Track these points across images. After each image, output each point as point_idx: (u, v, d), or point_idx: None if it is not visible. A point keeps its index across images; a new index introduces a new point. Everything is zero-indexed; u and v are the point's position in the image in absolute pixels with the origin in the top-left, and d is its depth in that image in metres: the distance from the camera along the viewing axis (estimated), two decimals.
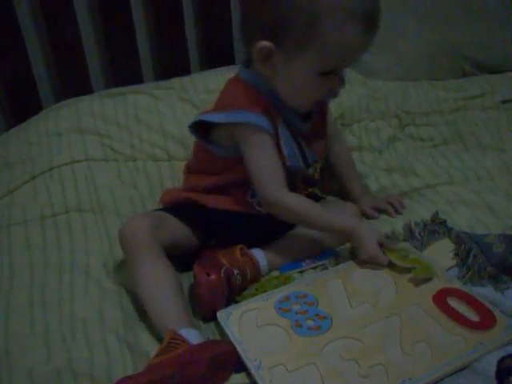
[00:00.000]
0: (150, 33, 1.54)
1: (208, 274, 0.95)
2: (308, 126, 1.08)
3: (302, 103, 1.02)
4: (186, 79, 1.42)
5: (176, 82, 1.42)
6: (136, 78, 1.50)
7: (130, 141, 1.30)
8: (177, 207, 1.09)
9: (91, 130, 1.30)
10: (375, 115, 1.40)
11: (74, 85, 1.49)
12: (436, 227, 1.09)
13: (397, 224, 1.13)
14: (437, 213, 1.11)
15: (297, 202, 1.02)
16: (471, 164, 1.27)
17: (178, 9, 1.48)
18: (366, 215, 1.19)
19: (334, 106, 1.36)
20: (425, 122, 1.42)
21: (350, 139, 1.36)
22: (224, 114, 1.00)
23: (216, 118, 1.01)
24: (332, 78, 0.96)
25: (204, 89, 1.38)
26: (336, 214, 1.07)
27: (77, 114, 1.33)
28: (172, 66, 1.55)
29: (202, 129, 1.06)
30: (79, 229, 1.15)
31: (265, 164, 1.01)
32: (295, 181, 1.09)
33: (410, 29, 1.57)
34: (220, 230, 1.08)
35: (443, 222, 1.09)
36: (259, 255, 1.06)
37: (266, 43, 0.93)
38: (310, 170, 1.10)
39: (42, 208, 1.18)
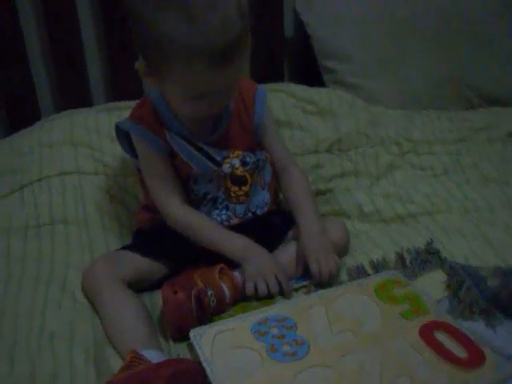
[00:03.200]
0: None
1: (175, 292, 0.93)
2: (212, 139, 1.06)
3: (186, 118, 1.03)
4: None
5: None
6: (137, 94, 1.49)
7: (122, 156, 1.27)
8: (141, 233, 1.13)
9: (84, 142, 1.28)
10: (374, 141, 1.37)
11: (74, 98, 1.47)
12: (429, 257, 1.04)
13: (388, 249, 1.08)
14: (431, 241, 1.06)
15: (187, 216, 1.04)
16: (472, 195, 1.23)
17: None
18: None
19: (331, 131, 1.34)
20: (427, 151, 1.38)
21: (345, 165, 1.32)
22: (125, 122, 1.07)
23: (120, 124, 1.08)
24: (203, 99, 0.95)
25: None
26: (229, 233, 1.05)
27: (71, 126, 1.31)
28: None
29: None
30: (62, 241, 1.13)
31: (154, 178, 1.05)
32: (225, 184, 1.07)
33: (416, 57, 1.54)
34: (186, 253, 1.06)
35: (437, 252, 1.05)
36: (240, 275, 1.03)
37: (138, 63, 0.97)
38: (226, 168, 1.07)
39: (27, 218, 1.16)
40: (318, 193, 1.28)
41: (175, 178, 1.06)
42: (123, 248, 1.08)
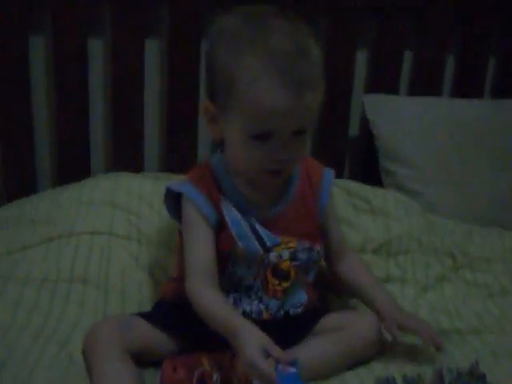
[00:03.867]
0: None
1: (174, 370, 0.85)
2: (271, 215, 0.99)
3: (246, 170, 0.94)
4: None
5: None
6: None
7: (159, 224, 1.23)
8: (161, 304, 1.05)
9: (122, 205, 1.25)
10: (427, 250, 1.26)
11: (127, 161, 1.47)
12: (472, 381, 0.90)
13: (425, 366, 0.95)
14: (477, 364, 0.92)
15: (208, 302, 0.91)
16: None
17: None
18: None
19: (381, 231, 1.26)
20: (484, 269, 1.26)
21: (392, 270, 1.22)
22: (177, 184, 1.00)
23: (172, 186, 1.00)
24: (267, 142, 0.89)
25: None
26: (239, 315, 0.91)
27: (114, 187, 1.28)
28: None
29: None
30: (76, 300, 1.08)
31: (192, 251, 0.96)
32: (265, 274, 0.98)
33: (483, 171, 1.47)
34: (201, 334, 0.95)
35: (482, 377, 0.90)
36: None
37: (206, 103, 0.94)
38: (273, 256, 0.98)
39: (47, 271, 1.12)
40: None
41: (213, 252, 0.96)
42: (136, 314, 1.01)
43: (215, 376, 0.87)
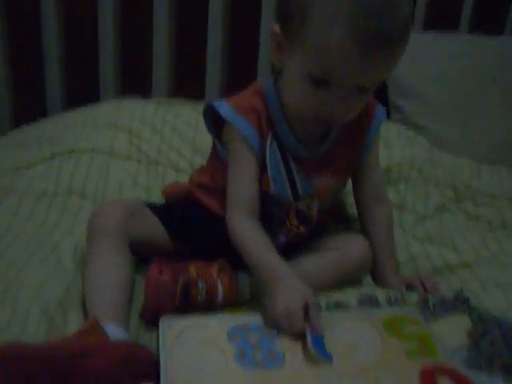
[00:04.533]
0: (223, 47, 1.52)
1: (160, 272, 0.85)
2: (316, 154, 0.95)
3: (299, 111, 0.88)
4: None
5: None
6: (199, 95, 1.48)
7: (159, 146, 1.24)
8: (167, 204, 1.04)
9: (125, 127, 1.26)
10: (428, 180, 1.24)
11: (136, 87, 1.47)
12: (456, 303, 0.89)
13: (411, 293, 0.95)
14: (461, 290, 0.91)
15: (246, 233, 0.89)
16: None
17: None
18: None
19: (382, 159, 1.22)
20: (487, 203, 1.23)
21: (391, 197, 1.19)
22: (225, 107, 0.92)
23: (219, 106, 0.92)
24: (324, 89, 0.81)
25: None
26: (278, 258, 0.87)
27: (118, 111, 1.31)
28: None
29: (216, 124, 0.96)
30: (72, 212, 1.10)
31: (236, 180, 0.92)
32: (287, 214, 0.96)
33: (497, 110, 1.42)
34: (201, 239, 0.98)
35: (466, 301, 0.89)
36: (243, 278, 0.92)
37: (274, 27, 0.85)
38: (301, 205, 0.96)
39: (47, 185, 1.14)
40: (356, 219, 1.15)
41: (258, 189, 0.93)
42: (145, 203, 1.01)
43: (201, 284, 0.87)
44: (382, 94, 1.49)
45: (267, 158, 0.92)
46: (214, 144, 1.01)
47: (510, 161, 1.40)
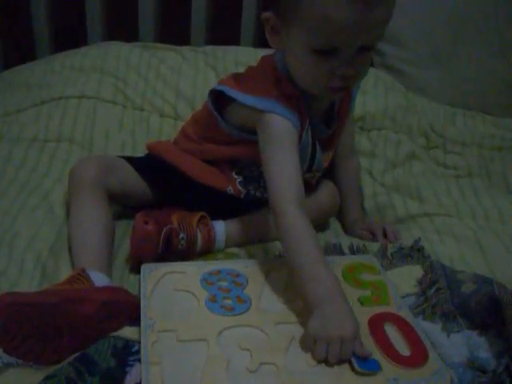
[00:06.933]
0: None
1: (146, 223, 0.92)
2: (330, 131, 1.01)
3: (312, 86, 0.90)
4: (220, 48, 1.39)
5: (210, 48, 1.40)
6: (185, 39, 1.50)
7: (144, 90, 1.28)
8: (149, 159, 1.08)
9: (111, 71, 1.31)
10: (400, 128, 1.30)
11: (123, 31, 1.49)
12: (412, 252, 0.98)
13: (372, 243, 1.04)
14: (418, 239, 1.00)
15: (299, 227, 0.83)
16: (487, 203, 1.14)
17: None
18: (359, 237, 1.08)
19: (356, 104, 1.27)
20: (457, 151, 1.30)
21: (364, 144, 1.26)
22: (253, 98, 0.91)
23: (244, 98, 0.92)
24: (331, 58, 0.84)
25: (233, 60, 1.35)
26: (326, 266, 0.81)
27: (104, 55, 1.34)
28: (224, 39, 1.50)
29: (218, 98, 0.98)
30: (62, 158, 1.16)
31: (287, 169, 0.88)
32: None
33: (474, 55, 1.45)
34: (184, 197, 1.04)
35: (420, 249, 0.98)
36: (219, 228, 1.01)
37: (266, 14, 0.87)
38: (307, 176, 1.02)
39: (36, 131, 1.20)
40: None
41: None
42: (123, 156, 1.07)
43: (182, 234, 0.95)
44: None
45: (302, 140, 0.94)
46: (208, 115, 1.02)
47: (486, 107, 1.45)
